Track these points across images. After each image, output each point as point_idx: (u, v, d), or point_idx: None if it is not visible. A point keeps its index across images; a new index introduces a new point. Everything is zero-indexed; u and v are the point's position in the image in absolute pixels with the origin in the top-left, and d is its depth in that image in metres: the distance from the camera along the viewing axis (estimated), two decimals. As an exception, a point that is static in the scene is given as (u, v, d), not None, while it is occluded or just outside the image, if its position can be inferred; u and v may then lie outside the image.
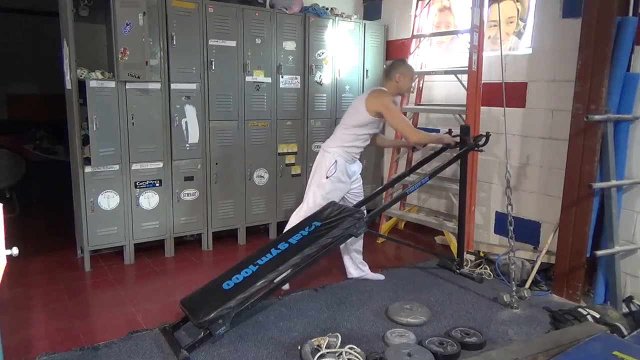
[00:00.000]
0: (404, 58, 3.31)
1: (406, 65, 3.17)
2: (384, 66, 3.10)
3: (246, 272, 2.54)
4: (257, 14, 3.86)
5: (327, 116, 4.36)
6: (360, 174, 3.33)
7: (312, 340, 2.40)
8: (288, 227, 3.05)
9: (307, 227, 2.79)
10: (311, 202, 3.09)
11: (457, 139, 3.21)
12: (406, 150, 4.29)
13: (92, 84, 3.22)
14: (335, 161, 3.05)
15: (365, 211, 3.12)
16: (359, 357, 2.30)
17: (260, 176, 4.09)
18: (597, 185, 2.87)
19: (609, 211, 2.90)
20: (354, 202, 3.21)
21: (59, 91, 3.74)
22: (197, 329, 2.47)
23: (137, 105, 3.45)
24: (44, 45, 5.80)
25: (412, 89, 3.31)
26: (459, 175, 3.43)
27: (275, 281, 2.56)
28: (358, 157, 3.19)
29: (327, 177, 3.05)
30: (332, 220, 2.79)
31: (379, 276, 3.36)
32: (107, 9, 3.31)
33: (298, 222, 2.95)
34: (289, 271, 2.60)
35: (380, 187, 3.82)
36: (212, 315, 2.34)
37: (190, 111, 3.67)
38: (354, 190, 3.26)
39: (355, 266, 3.34)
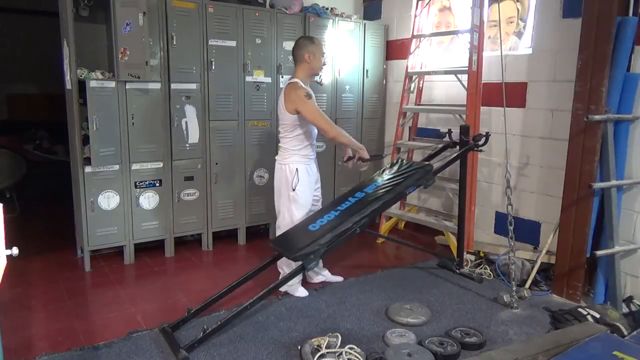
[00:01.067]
0: (307, 35, 3.15)
1: (313, 42, 2.94)
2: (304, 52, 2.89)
3: (329, 216, 2.76)
4: (257, 14, 3.86)
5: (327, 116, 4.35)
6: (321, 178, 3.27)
7: (312, 340, 2.40)
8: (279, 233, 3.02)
9: (380, 179, 3.01)
10: (288, 217, 3.03)
11: (371, 160, 3.14)
12: (406, 149, 4.29)
13: (92, 84, 3.23)
14: (296, 169, 2.97)
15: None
16: (359, 357, 2.30)
17: (260, 176, 4.09)
18: (597, 185, 2.87)
19: (609, 211, 2.90)
20: (315, 209, 3.14)
21: (59, 91, 3.75)
22: (198, 328, 2.48)
23: (137, 105, 3.45)
24: (44, 45, 5.80)
25: (323, 65, 3.15)
26: (459, 175, 3.43)
27: (356, 223, 2.70)
28: (314, 154, 3.11)
29: (293, 190, 2.97)
30: (403, 172, 2.99)
31: (338, 278, 3.33)
32: (107, 9, 3.31)
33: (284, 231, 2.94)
34: (368, 214, 2.74)
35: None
36: (305, 249, 2.55)
37: (190, 111, 3.67)
38: (315, 196, 3.17)
39: (316, 273, 3.28)
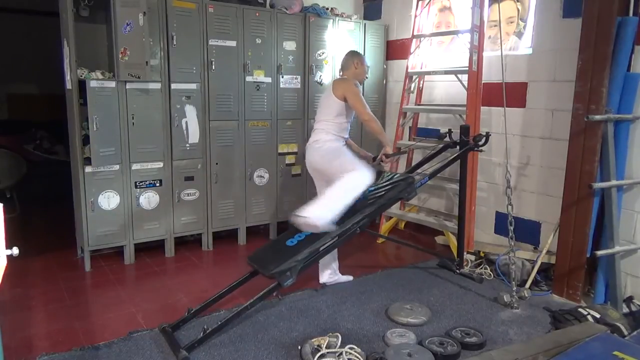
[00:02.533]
0: (355, 50, 3.42)
1: (361, 55, 3.28)
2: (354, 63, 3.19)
3: (307, 231, 2.73)
4: (257, 14, 3.86)
5: (327, 116, 4.36)
6: None
7: (313, 340, 2.40)
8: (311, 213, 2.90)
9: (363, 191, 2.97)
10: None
11: (393, 157, 3.26)
12: (406, 149, 4.29)
13: (93, 84, 3.23)
14: (337, 146, 3.11)
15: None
16: (359, 357, 2.30)
17: (261, 176, 4.09)
18: (598, 185, 2.87)
19: (609, 211, 2.90)
20: None
21: (59, 91, 3.75)
22: (198, 328, 2.48)
23: (138, 105, 3.45)
24: (44, 45, 5.80)
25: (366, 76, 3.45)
26: (459, 175, 3.43)
27: (335, 238, 2.70)
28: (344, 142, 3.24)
29: (339, 158, 3.04)
30: (386, 185, 3.01)
31: (348, 277, 3.36)
32: (107, 9, 3.31)
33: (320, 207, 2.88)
34: (348, 228, 2.73)
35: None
36: (281, 267, 2.52)
37: (191, 111, 3.67)
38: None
39: (333, 271, 3.32)
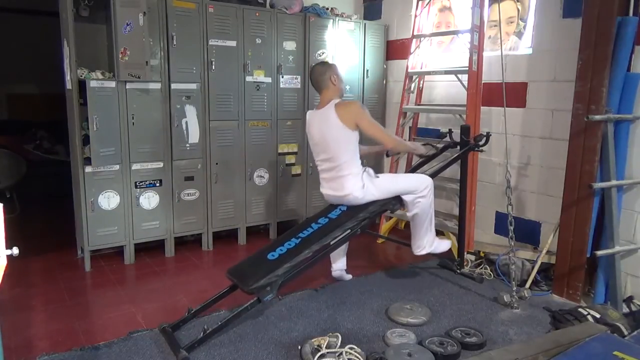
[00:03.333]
0: (321, 61, 3.15)
1: (333, 65, 2.95)
2: (319, 76, 2.88)
3: (289, 244, 2.70)
4: (257, 14, 3.86)
5: (327, 116, 4.36)
6: None
7: (313, 340, 2.40)
8: None
9: (345, 205, 2.94)
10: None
11: (428, 150, 3.18)
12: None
13: (93, 84, 3.22)
14: (367, 176, 2.90)
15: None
16: (359, 357, 2.30)
17: (261, 176, 4.09)
18: (598, 185, 2.87)
19: (609, 211, 2.90)
20: None
21: (59, 91, 3.75)
22: (198, 328, 2.48)
23: (138, 105, 3.45)
24: (44, 45, 5.80)
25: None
26: (459, 175, 3.43)
27: (317, 252, 2.68)
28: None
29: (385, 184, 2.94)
30: None
31: (348, 276, 3.38)
32: (107, 9, 3.31)
33: None
34: (329, 242, 2.73)
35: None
36: (261, 282, 2.48)
37: (191, 111, 3.67)
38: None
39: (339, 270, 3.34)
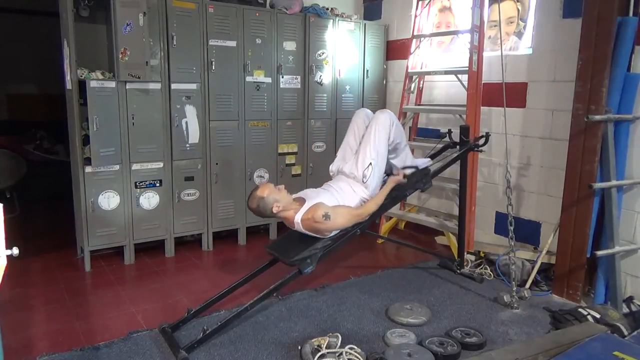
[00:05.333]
0: (250, 194, 2.69)
1: (262, 193, 2.60)
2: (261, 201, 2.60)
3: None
4: (257, 14, 3.86)
5: (327, 116, 4.36)
6: None
7: (313, 340, 2.40)
8: None
9: None
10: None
11: (404, 178, 2.98)
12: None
13: (93, 84, 3.22)
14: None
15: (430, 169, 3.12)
16: (359, 357, 2.30)
17: (261, 176, 4.09)
18: (598, 185, 2.87)
19: (609, 211, 2.89)
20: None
21: (59, 91, 3.75)
22: (198, 328, 2.48)
23: (138, 106, 3.45)
24: (44, 45, 5.80)
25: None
26: (459, 176, 3.43)
27: (355, 226, 2.68)
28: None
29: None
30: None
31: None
32: (107, 9, 3.31)
33: None
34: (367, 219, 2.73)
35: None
36: (302, 254, 2.55)
37: (191, 111, 3.67)
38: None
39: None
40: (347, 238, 2.69)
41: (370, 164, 2.75)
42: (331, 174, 2.98)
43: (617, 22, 2.80)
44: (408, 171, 2.99)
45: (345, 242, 2.70)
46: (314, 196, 2.69)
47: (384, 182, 2.90)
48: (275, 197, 2.60)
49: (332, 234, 2.63)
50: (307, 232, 2.62)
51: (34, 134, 5.88)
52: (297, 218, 2.59)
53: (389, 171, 3.02)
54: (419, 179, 2.95)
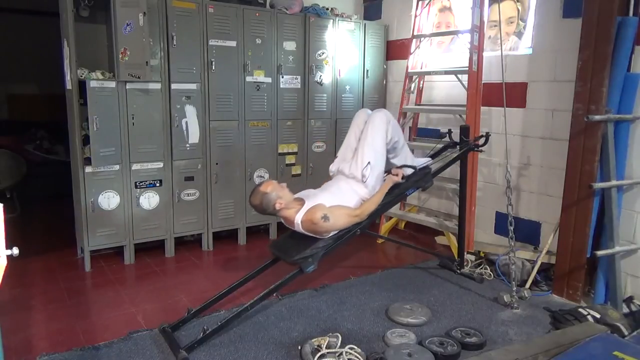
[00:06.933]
0: (253, 190, 2.68)
1: (265, 189, 2.61)
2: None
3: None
4: (257, 14, 3.86)
5: (327, 116, 4.36)
6: None
7: (313, 340, 2.40)
8: None
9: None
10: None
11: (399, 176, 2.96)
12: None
13: (93, 84, 3.23)
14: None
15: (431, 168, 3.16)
16: (359, 357, 2.30)
17: (261, 176, 4.09)
18: (598, 185, 2.87)
19: (610, 211, 2.89)
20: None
21: (59, 91, 3.75)
22: (198, 328, 2.48)
23: (138, 106, 3.45)
24: (44, 45, 5.80)
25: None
26: (459, 175, 3.43)
27: (355, 225, 2.69)
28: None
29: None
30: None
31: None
32: (107, 9, 3.31)
33: None
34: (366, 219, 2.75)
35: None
36: (304, 253, 2.55)
37: (191, 111, 3.67)
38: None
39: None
40: (347, 238, 2.69)
41: (369, 163, 2.74)
42: (331, 174, 2.98)
43: (617, 22, 2.80)
44: (407, 171, 2.98)
45: (345, 242, 2.69)
46: (313, 197, 2.69)
47: (384, 182, 2.90)
48: (279, 194, 2.60)
49: (332, 234, 2.63)
50: (307, 233, 2.62)
51: (34, 134, 5.88)
52: (297, 219, 2.59)
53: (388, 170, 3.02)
54: (420, 178, 2.96)
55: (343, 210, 2.63)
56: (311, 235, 2.62)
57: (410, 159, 3.08)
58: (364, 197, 2.78)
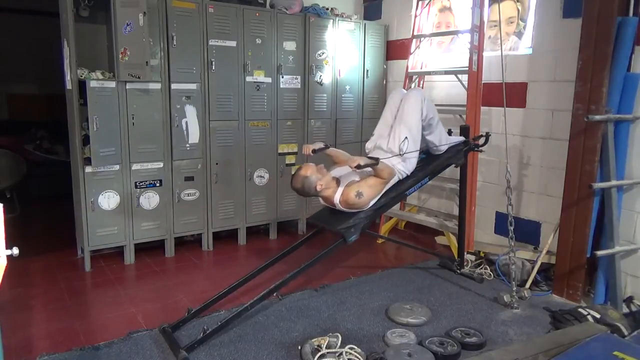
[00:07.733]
0: (297, 173, 2.76)
1: (305, 175, 2.69)
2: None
3: None
4: (257, 14, 3.86)
5: (327, 116, 4.36)
6: None
7: (313, 340, 2.40)
8: None
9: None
10: None
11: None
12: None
13: (93, 84, 3.23)
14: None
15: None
16: (359, 357, 2.30)
17: (261, 176, 4.09)
18: (598, 185, 2.87)
19: (609, 211, 2.89)
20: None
21: (59, 91, 3.75)
22: (198, 328, 2.48)
23: (138, 106, 3.45)
24: (44, 45, 5.80)
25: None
26: (459, 176, 3.43)
27: (393, 199, 2.83)
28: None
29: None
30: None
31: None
32: (107, 9, 3.31)
33: None
34: (404, 190, 2.88)
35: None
36: (347, 223, 2.65)
37: (191, 111, 3.67)
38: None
39: None
40: (388, 206, 2.83)
41: (406, 137, 2.84)
42: (367, 151, 3.04)
43: (617, 22, 2.80)
44: (362, 162, 2.78)
45: (391, 206, 2.88)
46: (346, 176, 2.78)
47: (421, 159, 3.00)
48: (318, 176, 2.70)
49: (371, 204, 2.73)
50: (348, 210, 2.72)
51: (34, 134, 5.87)
52: (336, 199, 2.72)
53: (426, 149, 3.10)
54: (452, 155, 3.06)
55: (371, 180, 2.72)
56: (352, 211, 2.74)
57: (445, 136, 3.14)
58: (402, 170, 2.86)
